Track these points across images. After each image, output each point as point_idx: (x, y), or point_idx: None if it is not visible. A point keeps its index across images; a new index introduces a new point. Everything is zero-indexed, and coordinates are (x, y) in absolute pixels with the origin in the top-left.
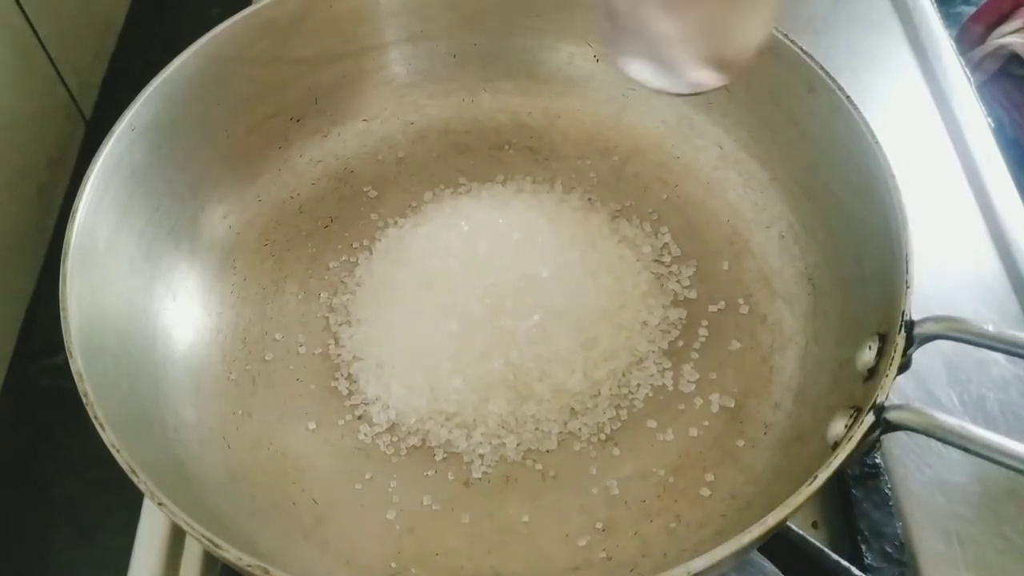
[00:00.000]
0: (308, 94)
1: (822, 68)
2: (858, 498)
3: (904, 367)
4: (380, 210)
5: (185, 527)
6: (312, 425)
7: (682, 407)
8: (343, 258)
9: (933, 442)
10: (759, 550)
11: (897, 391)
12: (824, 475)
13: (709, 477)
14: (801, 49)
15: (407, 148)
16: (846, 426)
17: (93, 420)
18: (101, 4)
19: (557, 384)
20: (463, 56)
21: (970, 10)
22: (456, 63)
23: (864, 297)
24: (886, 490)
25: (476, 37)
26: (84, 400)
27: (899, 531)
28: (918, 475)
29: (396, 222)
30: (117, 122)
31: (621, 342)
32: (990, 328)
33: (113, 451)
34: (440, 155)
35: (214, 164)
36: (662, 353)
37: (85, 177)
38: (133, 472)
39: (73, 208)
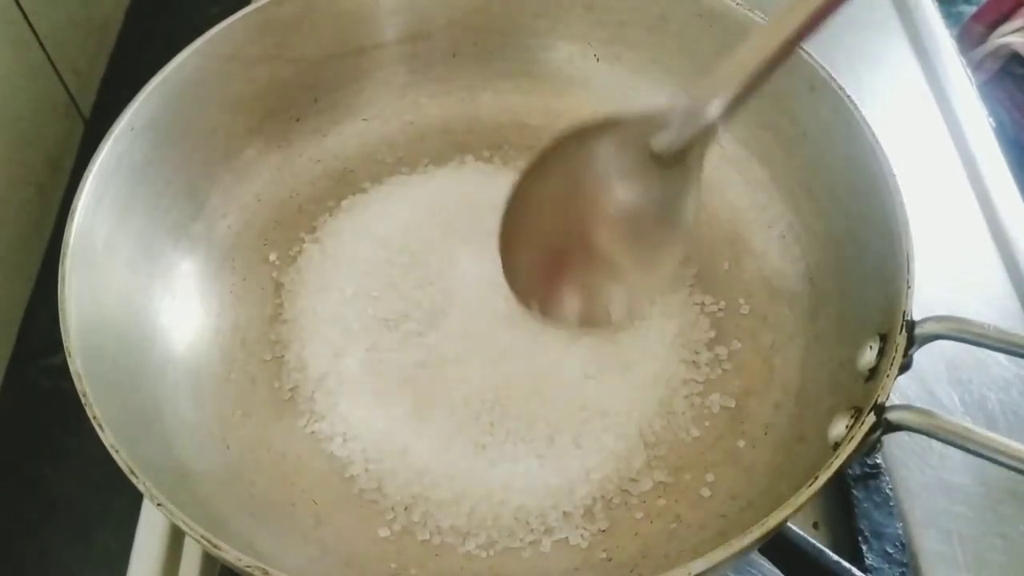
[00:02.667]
0: (308, 94)
1: (823, 68)
2: (859, 498)
3: (905, 367)
4: None
5: (184, 527)
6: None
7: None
8: None
9: (934, 442)
10: (760, 551)
11: (898, 391)
12: (825, 476)
13: (710, 477)
14: (802, 48)
15: (407, 148)
16: (847, 426)
17: (92, 420)
18: (100, 3)
19: None
20: (463, 56)
21: (971, 9)
22: (456, 63)
23: (865, 297)
24: (887, 490)
25: (476, 36)
26: (83, 400)
27: (900, 531)
28: (919, 475)
29: None
30: (116, 121)
31: None
32: (991, 328)
33: (112, 451)
34: (440, 155)
35: (213, 163)
36: None
37: (84, 176)
38: (132, 472)
39: (72, 207)
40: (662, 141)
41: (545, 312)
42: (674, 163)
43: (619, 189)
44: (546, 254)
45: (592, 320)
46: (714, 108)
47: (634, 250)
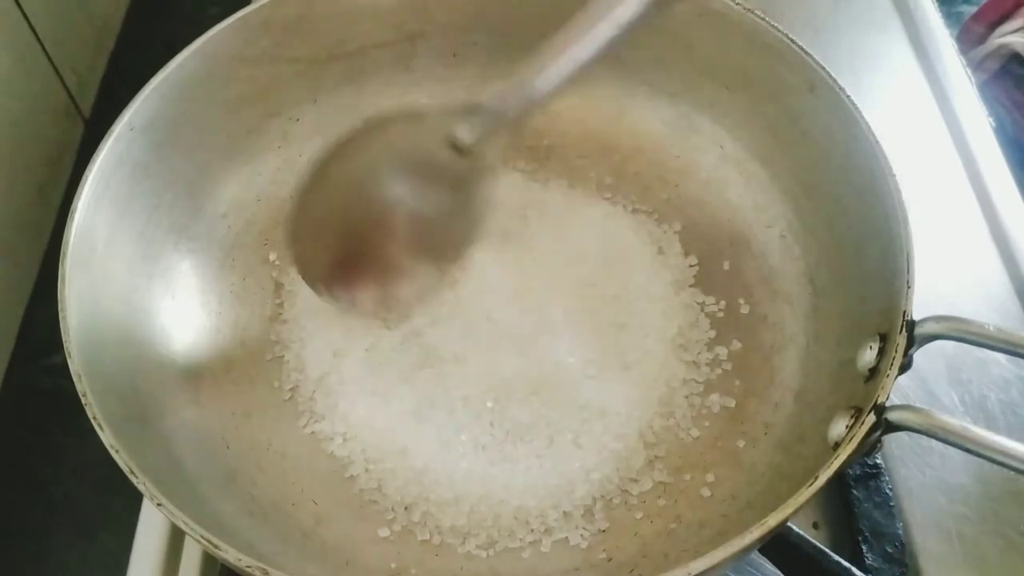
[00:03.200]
0: (308, 94)
1: (823, 67)
2: (859, 499)
3: (905, 367)
4: None
5: (184, 527)
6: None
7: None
8: None
9: (934, 442)
10: (760, 551)
11: (898, 391)
12: (825, 475)
13: (710, 478)
14: (802, 48)
15: None
16: (847, 426)
17: (92, 420)
18: (100, 3)
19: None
20: (463, 56)
21: (971, 9)
22: (456, 63)
23: (865, 297)
24: (887, 490)
25: (476, 37)
26: (83, 400)
27: (900, 531)
28: (919, 475)
29: None
30: (116, 121)
31: None
32: (991, 328)
33: (112, 451)
34: None
35: (213, 163)
36: None
37: (84, 176)
38: (132, 472)
39: (72, 207)
40: (462, 133)
41: (335, 297)
42: (471, 157)
43: (415, 180)
44: (339, 241)
45: (380, 307)
46: (515, 103)
47: (426, 240)
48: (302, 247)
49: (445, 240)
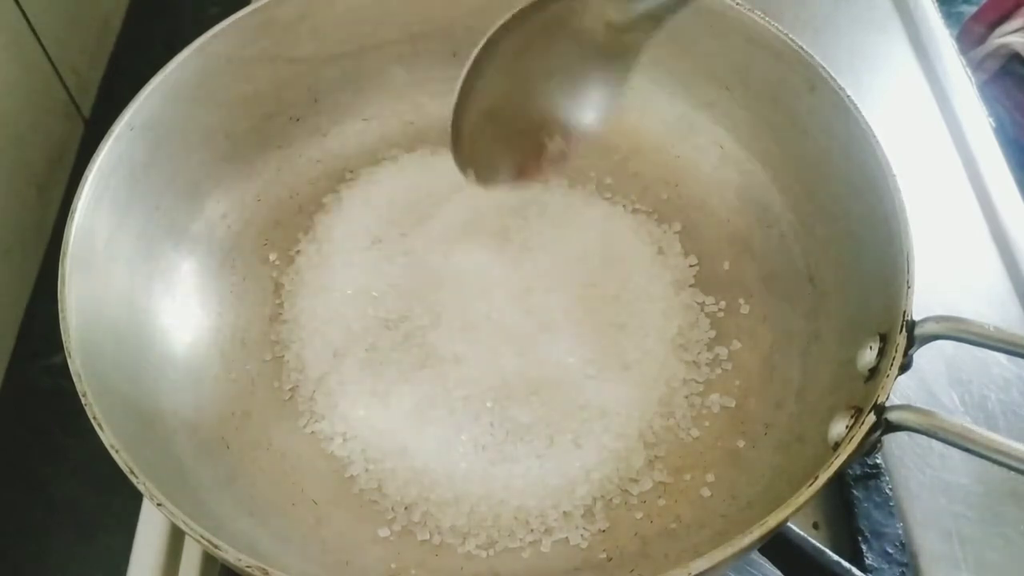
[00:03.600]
0: (308, 94)
1: (823, 67)
2: (859, 498)
3: (905, 367)
4: None
5: (184, 527)
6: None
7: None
8: None
9: (934, 442)
10: (760, 551)
11: (898, 391)
12: (825, 476)
13: (710, 477)
14: (802, 48)
15: (407, 148)
16: (847, 426)
17: (92, 420)
18: (100, 3)
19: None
20: (463, 56)
21: (971, 9)
22: (456, 62)
23: (865, 297)
24: (887, 490)
25: (476, 37)
26: (83, 400)
27: (900, 531)
28: (919, 475)
29: None
30: (116, 121)
31: None
32: (991, 328)
33: (112, 451)
34: (440, 155)
35: (213, 163)
36: None
37: (84, 176)
38: (132, 472)
39: (72, 207)
40: (617, 14)
41: (482, 178)
42: (624, 37)
43: (569, 56)
44: (494, 121)
45: (522, 177)
46: None
47: (572, 113)
48: (460, 131)
49: (593, 114)
